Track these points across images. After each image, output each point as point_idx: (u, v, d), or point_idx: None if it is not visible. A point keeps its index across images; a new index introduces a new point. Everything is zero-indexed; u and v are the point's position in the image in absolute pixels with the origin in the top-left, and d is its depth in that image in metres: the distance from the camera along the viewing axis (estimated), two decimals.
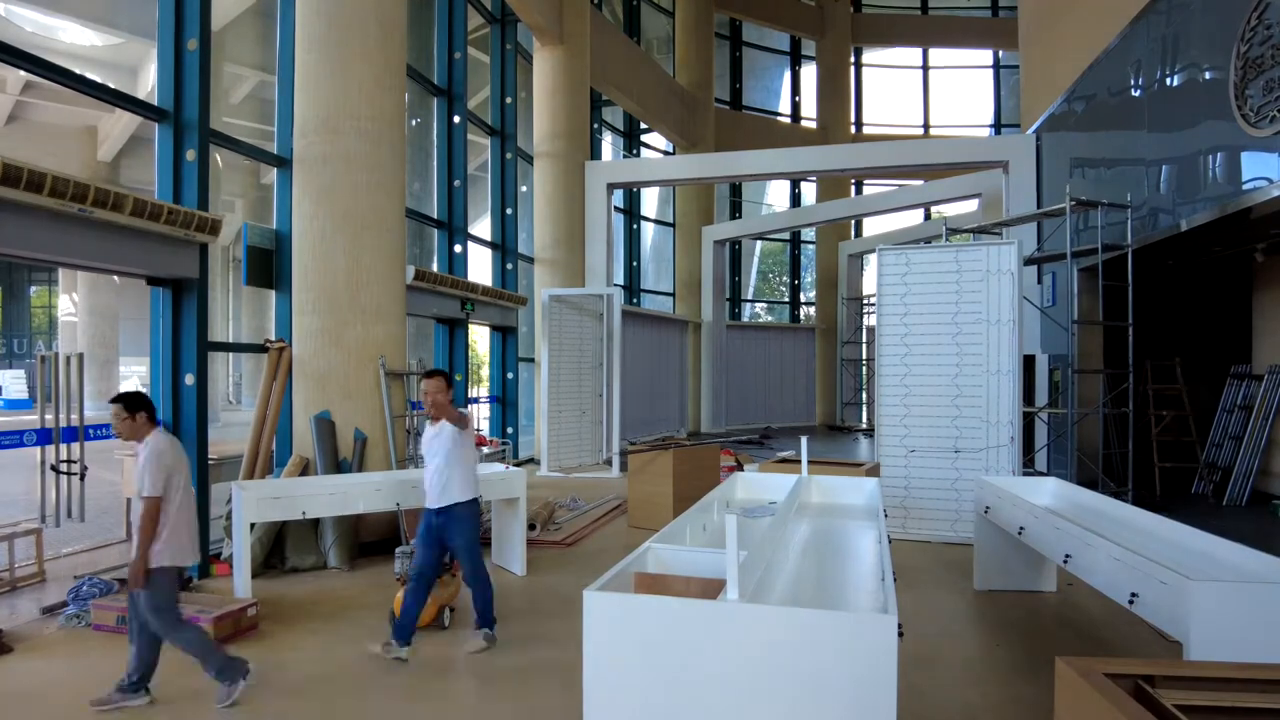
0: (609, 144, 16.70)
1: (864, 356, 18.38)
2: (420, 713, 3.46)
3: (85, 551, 6.22)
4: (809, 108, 20.34)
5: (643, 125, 17.35)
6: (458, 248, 9.81)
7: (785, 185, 20.80)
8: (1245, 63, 6.24)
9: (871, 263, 11.61)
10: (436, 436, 4.20)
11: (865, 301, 18.37)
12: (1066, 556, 3.70)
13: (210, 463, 5.77)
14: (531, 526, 6.51)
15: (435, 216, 9.71)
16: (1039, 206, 10.19)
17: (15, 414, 21.30)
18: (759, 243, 21.50)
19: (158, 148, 5.58)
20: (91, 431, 5.21)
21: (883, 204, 16.22)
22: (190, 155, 5.56)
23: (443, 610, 4.40)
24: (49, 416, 5.11)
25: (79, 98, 5.32)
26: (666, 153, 18.18)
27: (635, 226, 16.89)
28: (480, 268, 11.19)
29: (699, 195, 17.71)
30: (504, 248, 11.42)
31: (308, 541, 5.78)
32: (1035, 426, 9.75)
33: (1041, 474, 8.90)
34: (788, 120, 20.43)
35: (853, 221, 19.14)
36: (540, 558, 5.96)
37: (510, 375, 11.35)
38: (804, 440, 4.78)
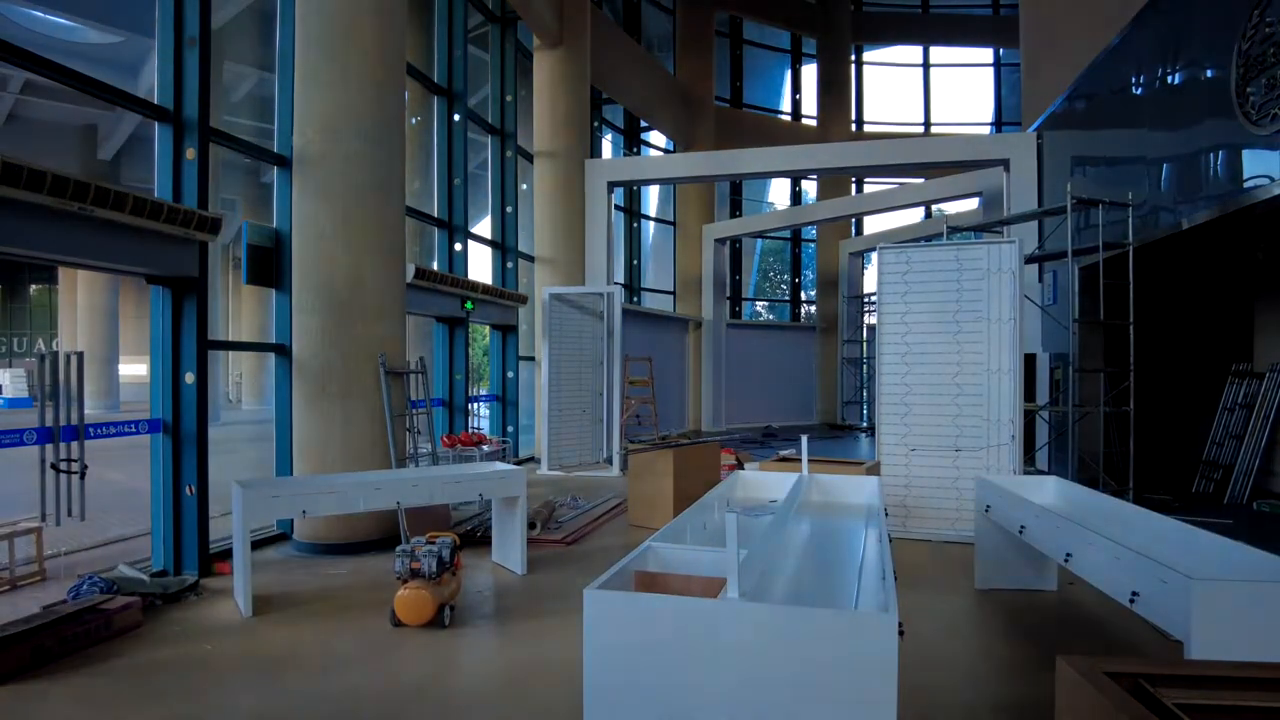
0: (609, 142, 16.69)
1: (864, 355, 18.37)
2: (421, 711, 3.45)
3: (85, 550, 6.23)
4: (809, 106, 20.32)
5: (643, 123, 17.33)
6: (458, 246, 9.81)
7: (786, 183, 20.79)
8: (1246, 60, 6.23)
9: (873, 261, 11.62)
10: None
11: (866, 300, 18.36)
12: (1067, 555, 3.70)
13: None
14: (532, 525, 6.51)
15: (435, 215, 9.71)
16: (1040, 205, 10.18)
17: (16, 412, 21.29)
18: (760, 241, 21.49)
19: (157, 146, 5.57)
20: (92, 430, 5.20)
21: (883, 202, 16.21)
22: (190, 154, 5.55)
23: (442, 609, 4.40)
24: (49, 415, 5.11)
25: (78, 96, 5.30)
26: (667, 151, 18.17)
27: (635, 225, 16.89)
28: (480, 266, 11.20)
29: (699, 193, 17.69)
30: (504, 246, 11.41)
31: None
32: (1036, 425, 9.75)
33: (1042, 473, 8.91)
34: (788, 118, 20.41)
35: (853, 220, 19.13)
36: (540, 557, 5.96)
37: (510, 374, 11.35)
38: (804, 439, 4.77)
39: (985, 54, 20.96)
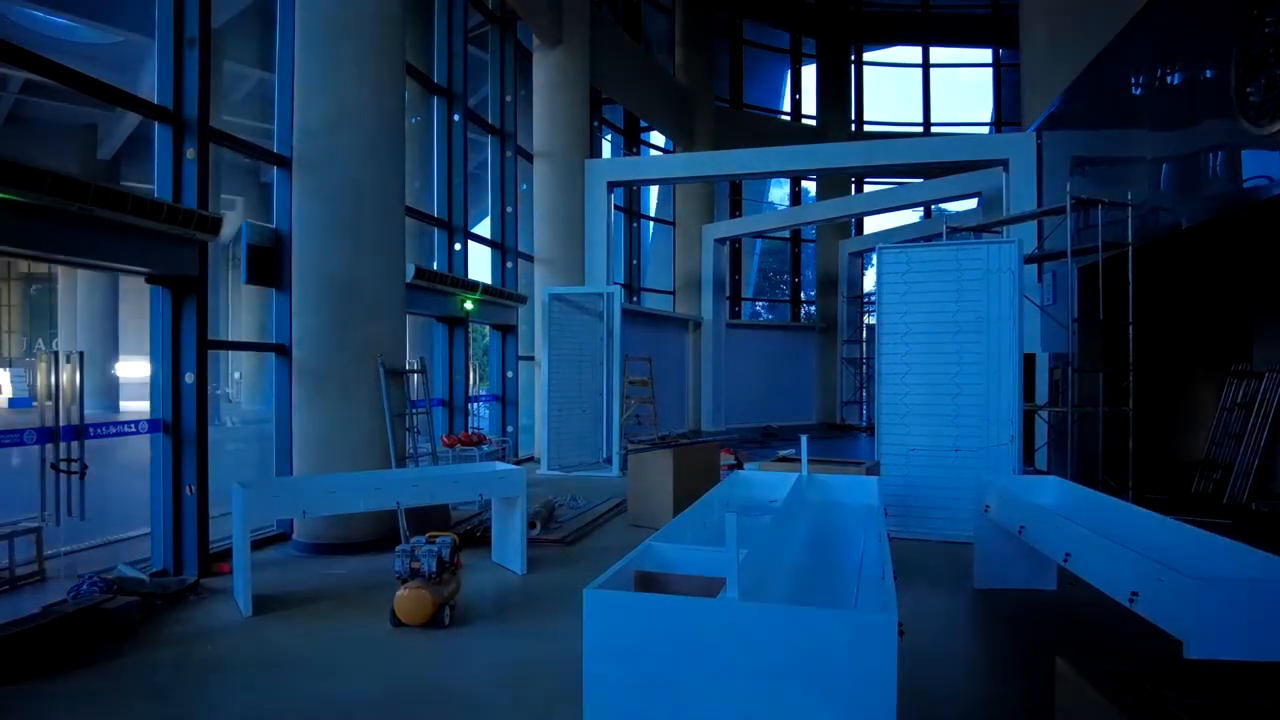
0: (609, 142, 16.69)
1: (864, 355, 18.36)
2: (421, 711, 3.45)
3: (85, 550, 6.22)
4: (809, 106, 20.33)
5: (643, 123, 17.33)
6: (458, 246, 9.82)
7: (786, 183, 20.79)
8: (1246, 60, 6.23)
9: (873, 261, 11.61)
10: None
11: (866, 300, 18.35)
12: (1066, 555, 3.70)
13: None
14: (532, 525, 6.51)
15: (435, 215, 9.71)
16: (1039, 205, 10.18)
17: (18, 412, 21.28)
18: (759, 241, 21.49)
19: (157, 146, 5.57)
20: (92, 430, 5.20)
21: (883, 202, 16.21)
22: (190, 154, 5.55)
23: (442, 608, 4.40)
24: (49, 415, 5.10)
25: (78, 96, 5.29)
26: (666, 151, 18.17)
27: (635, 225, 16.89)
28: (480, 266, 11.20)
29: (699, 193, 17.69)
30: (504, 246, 11.42)
31: None
32: (1035, 425, 9.74)
33: (1041, 472, 8.90)
34: (788, 118, 20.41)
35: (853, 220, 19.14)
36: (540, 557, 5.96)
37: (510, 374, 11.35)
38: (804, 439, 4.77)
39: (985, 54, 20.96)
